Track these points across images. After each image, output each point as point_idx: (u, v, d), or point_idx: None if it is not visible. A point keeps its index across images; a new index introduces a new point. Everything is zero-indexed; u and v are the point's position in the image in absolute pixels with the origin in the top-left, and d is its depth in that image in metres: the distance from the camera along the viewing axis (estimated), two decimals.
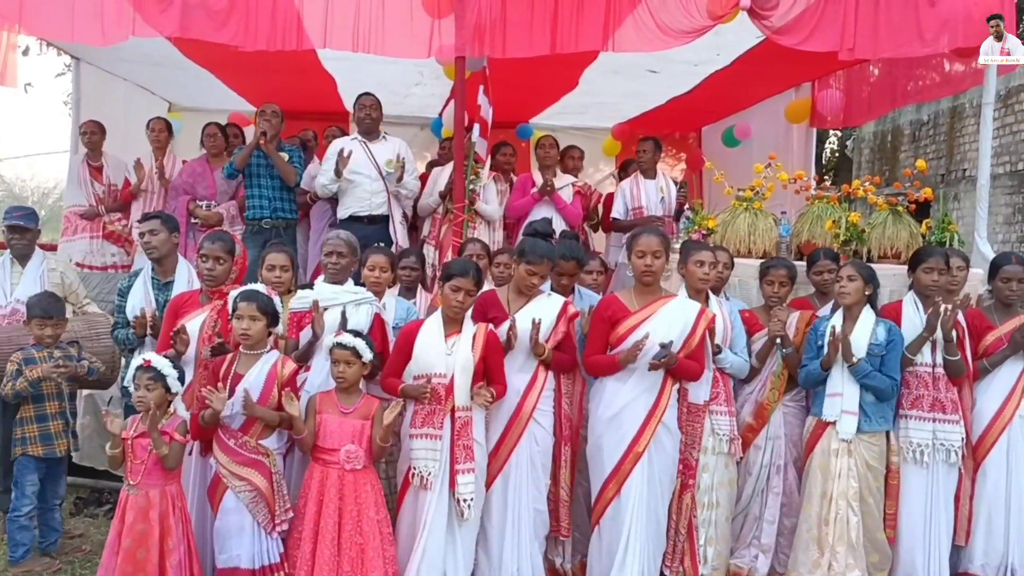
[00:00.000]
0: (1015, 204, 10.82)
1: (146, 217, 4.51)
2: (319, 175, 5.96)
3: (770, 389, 4.32)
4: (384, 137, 6.01)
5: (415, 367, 3.78)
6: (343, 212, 5.90)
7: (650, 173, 6.28)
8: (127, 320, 4.29)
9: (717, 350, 4.15)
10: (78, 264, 6.32)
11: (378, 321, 4.09)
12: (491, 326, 3.90)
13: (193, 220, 6.23)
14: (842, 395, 4.09)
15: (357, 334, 3.72)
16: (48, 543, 4.30)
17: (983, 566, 4.23)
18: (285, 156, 5.79)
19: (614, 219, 6.29)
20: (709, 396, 4.12)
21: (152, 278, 4.38)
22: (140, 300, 4.30)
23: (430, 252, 5.80)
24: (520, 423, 3.92)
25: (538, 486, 3.97)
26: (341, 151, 5.77)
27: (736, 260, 4.71)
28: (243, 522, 3.49)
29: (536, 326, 3.89)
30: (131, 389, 3.48)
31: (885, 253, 4.89)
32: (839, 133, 15.74)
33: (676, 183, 6.65)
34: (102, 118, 6.79)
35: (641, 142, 6.39)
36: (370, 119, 5.92)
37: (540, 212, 5.97)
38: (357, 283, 4.20)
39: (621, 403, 3.86)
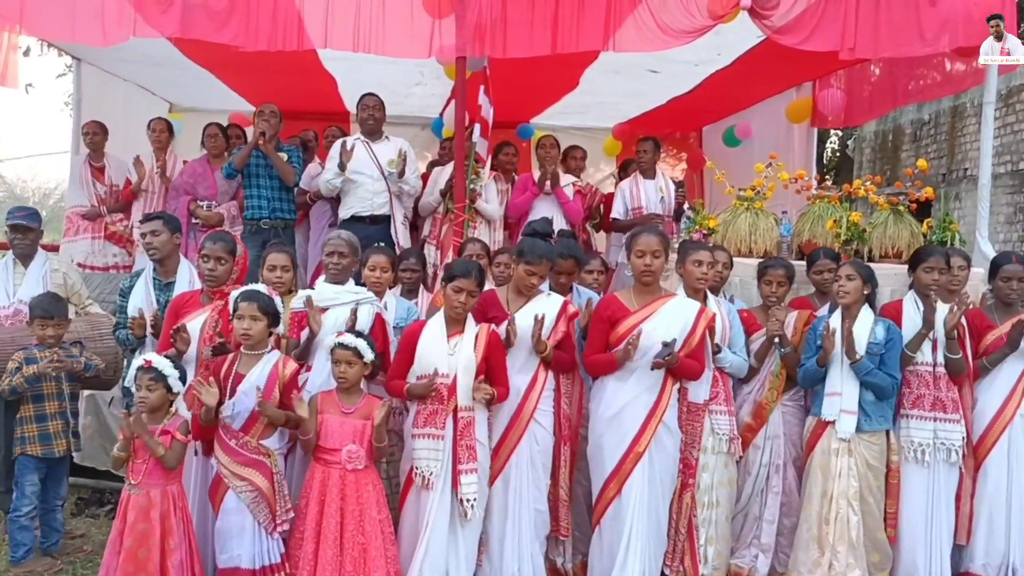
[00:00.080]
0: (1016, 203, 10.82)
1: (148, 218, 4.52)
2: (323, 171, 5.95)
3: (768, 389, 4.32)
4: (387, 138, 6.00)
5: (418, 367, 3.78)
6: (345, 212, 5.89)
7: (649, 173, 6.28)
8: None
9: (717, 349, 4.16)
10: (80, 265, 6.32)
11: (379, 321, 4.09)
12: (492, 326, 3.90)
13: (194, 220, 6.23)
14: (841, 394, 4.10)
15: (358, 334, 3.72)
16: (50, 543, 4.30)
17: (984, 565, 4.24)
18: (284, 156, 5.79)
19: (614, 219, 6.30)
20: (709, 395, 4.12)
21: (153, 278, 4.39)
22: (141, 300, 4.30)
23: (431, 252, 5.80)
24: (521, 423, 3.92)
25: (539, 486, 3.96)
26: (344, 143, 5.78)
27: (737, 260, 4.71)
28: (244, 522, 3.49)
29: (540, 322, 3.89)
30: (132, 390, 3.48)
31: (886, 253, 4.88)
32: (840, 133, 15.73)
33: (675, 183, 6.64)
34: (103, 119, 6.80)
35: (640, 142, 6.40)
36: (373, 120, 5.91)
37: (541, 210, 5.96)
38: (358, 283, 4.21)
39: (622, 403, 3.86)
